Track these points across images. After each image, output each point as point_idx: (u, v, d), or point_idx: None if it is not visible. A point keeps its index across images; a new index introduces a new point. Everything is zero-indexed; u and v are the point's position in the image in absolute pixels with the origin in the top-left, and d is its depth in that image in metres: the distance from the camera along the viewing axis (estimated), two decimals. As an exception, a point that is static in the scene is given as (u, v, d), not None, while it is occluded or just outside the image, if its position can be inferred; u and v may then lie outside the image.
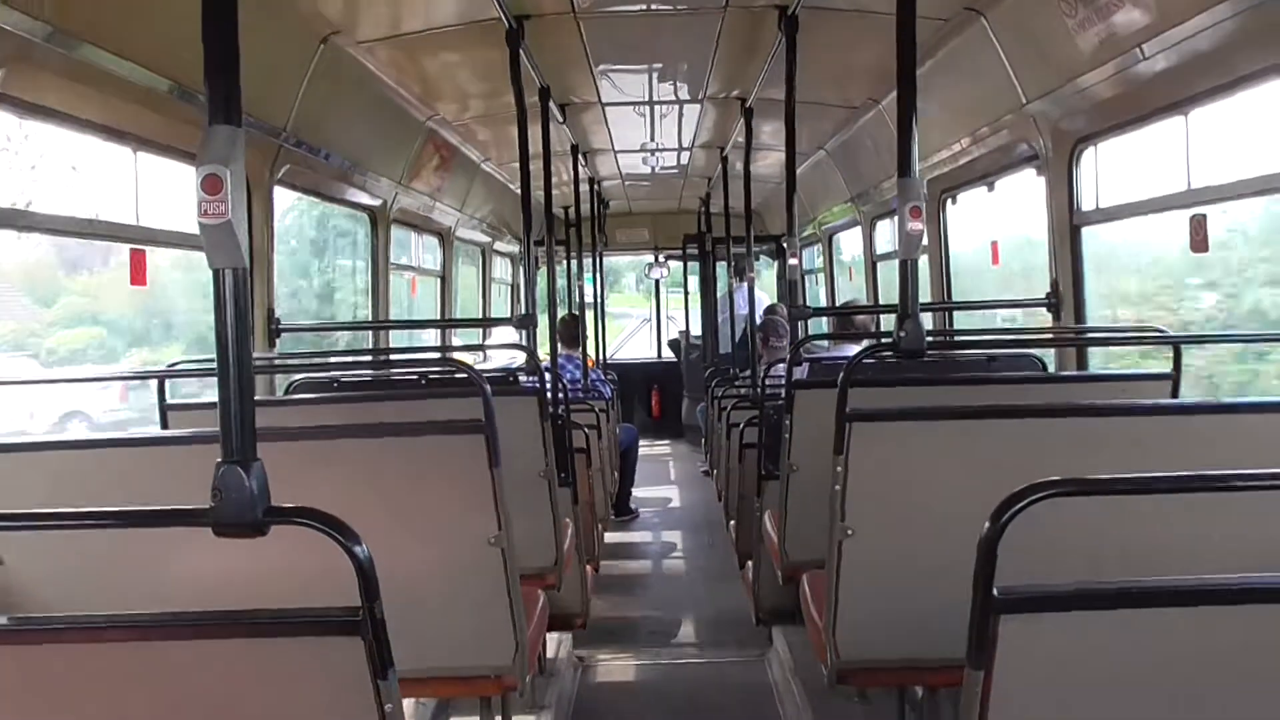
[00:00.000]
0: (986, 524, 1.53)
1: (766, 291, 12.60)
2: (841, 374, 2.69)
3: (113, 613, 1.60)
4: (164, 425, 3.57)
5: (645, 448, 10.44)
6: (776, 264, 13.32)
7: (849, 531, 2.65)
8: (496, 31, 4.57)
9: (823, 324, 8.82)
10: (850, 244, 9.82)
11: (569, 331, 8.11)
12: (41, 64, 2.97)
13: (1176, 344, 3.52)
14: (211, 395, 3.75)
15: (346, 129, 5.31)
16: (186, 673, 1.64)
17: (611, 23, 5.06)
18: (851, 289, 9.78)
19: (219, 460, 1.56)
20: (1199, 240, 3.63)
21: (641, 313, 15.96)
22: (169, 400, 3.65)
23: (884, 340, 3.04)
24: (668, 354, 13.81)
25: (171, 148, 3.81)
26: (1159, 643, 1.58)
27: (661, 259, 13.72)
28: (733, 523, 5.80)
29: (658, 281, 14.10)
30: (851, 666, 2.77)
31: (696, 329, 13.17)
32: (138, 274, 3.76)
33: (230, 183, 1.49)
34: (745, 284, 10.13)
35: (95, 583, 2.54)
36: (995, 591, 1.51)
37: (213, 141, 1.51)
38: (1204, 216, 3.62)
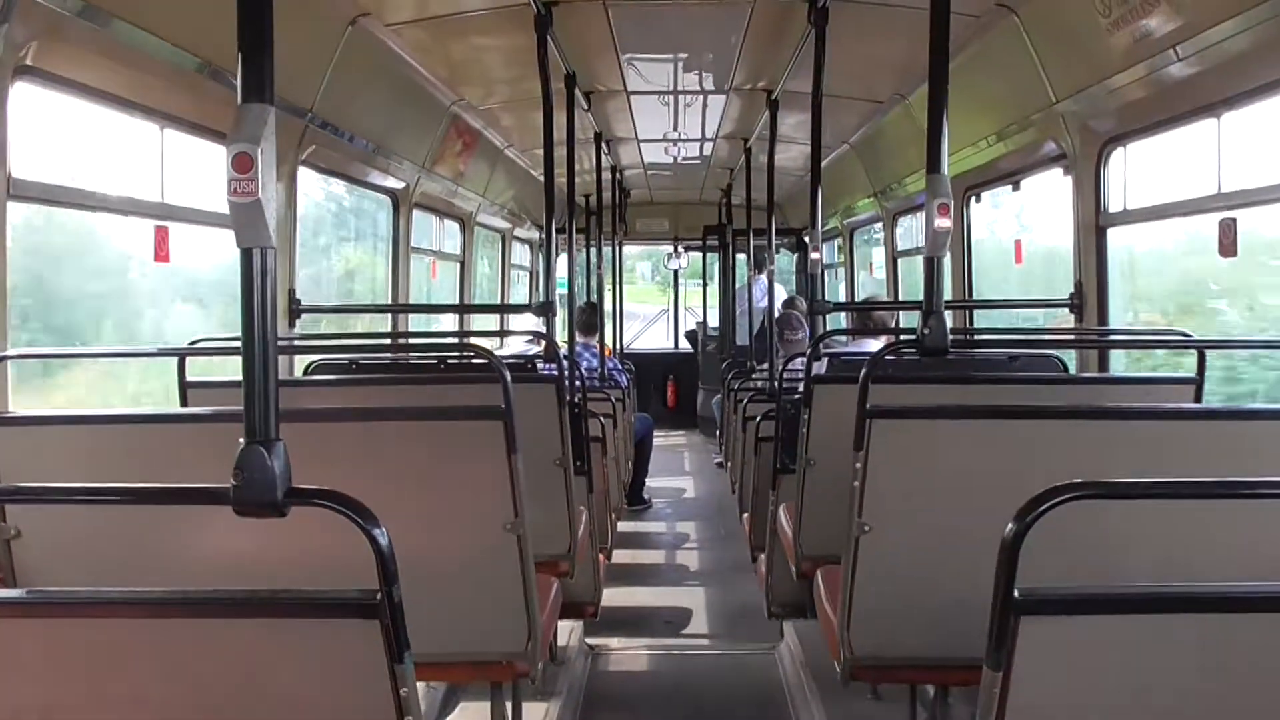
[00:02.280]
0: (1009, 525, 1.52)
1: (785, 285, 12.59)
2: (864, 370, 2.67)
3: (131, 589, 1.61)
4: (184, 403, 3.59)
5: (660, 438, 10.45)
6: (796, 257, 13.28)
7: (866, 528, 2.64)
8: (524, 16, 4.56)
9: (841, 319, 8.81)
10: (872, 238, 9.78)
11: (587, 319, 8.11)
12: (72, 39, 2.98)
13: (1201, 348, 3.49)
14: (230, 374, 3.77)
15: (372, 111, 5.31)
16: (202, 651, 1.65)
17: (640, 10, 5.04)
18: (873, 284, 9.75)
19: (241, 439, 1.56)
20: (1228, 244, 3.59)
21: (649, 312, 15.70)
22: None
23: (907, 337, 3.02)
24: (684, 344, 13.81)
25: (198, 125, 3.82)
26: (1179, 648, 1.57)
27: (681, 249, 13.70)
28: (746, 515, 5.80)
29: (676, 272, 14.08)
30: (865, 663, 2.77)
31: (714, 320, 13.15)
32: (161, 250, 3.78)
33: (261, 162, 1.48)
34: (764, 276, 10.11)
35: (111, 558, 2.55)
36: (1016, 593, 1.51)
37: (244, 120, 1.51)
38: (1234, 220, 3.59)
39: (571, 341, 5.85)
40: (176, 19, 3.33)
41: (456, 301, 8.32)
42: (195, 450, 2.57)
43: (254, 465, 1.54)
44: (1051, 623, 1.53)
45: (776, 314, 7.70)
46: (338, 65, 4.55)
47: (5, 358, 2.85)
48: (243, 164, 1.48)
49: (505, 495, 2.68)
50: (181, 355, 3.56)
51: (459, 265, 8.23)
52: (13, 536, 2.64)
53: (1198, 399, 3.43)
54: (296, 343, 4.54)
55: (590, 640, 5.22)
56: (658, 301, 15.03)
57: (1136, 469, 2.52)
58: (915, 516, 2.65)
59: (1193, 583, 1.54)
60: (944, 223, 2.64)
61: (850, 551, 2.69)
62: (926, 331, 2.73)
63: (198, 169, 3.97)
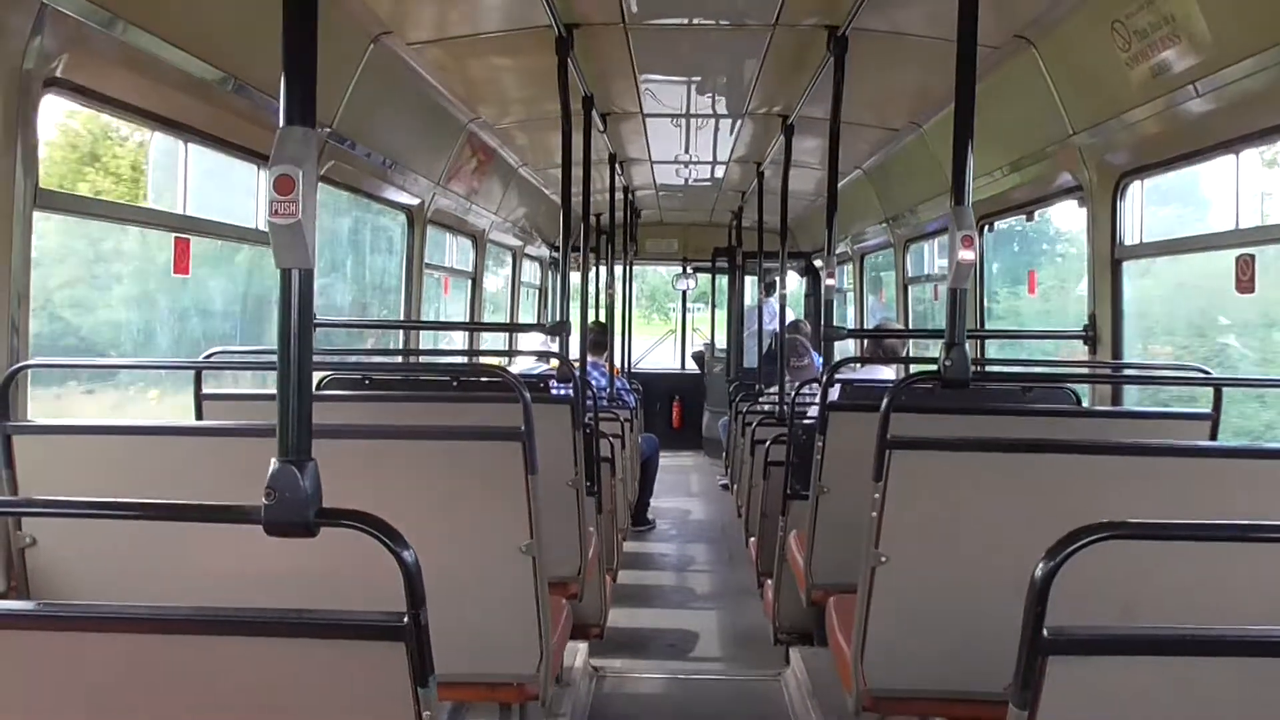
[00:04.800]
0: (1039, 563, 1.51)
1: (793, 308, 12.59)
2: (885, 400, 2.66)
3: (150, 605, 1.60)
4: (199, 415, 3.59)
5: (665, 458, 10.44)
6: (806, 280, 13.32)
7: (883, 559, 2.63)
8: (545, 38, 4.59)
9: (849, 345, 8.81)
10: (881, 264, 9.80)
11: (597, 338, 8.11)
12: (101, 52, 3.00)
13: (1217, 385, 3.49)
14: (240, 386, 3.76)
15: (390, 128, 5.33)
16: (221, 669, 1.64)
17: (659, 35, 5.07)
18: (881, 309, 9.76)
19: (274, 458, 1.56)
20: (1245, 281, 3.59)
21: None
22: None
23: (927, 368, 3.02)
24: (690, 365, 13.81)
25: (221, 140, 3.84)
26: (1211, 692, 1.56)
27: (689, 270, 13.73)
28: (753, 539, 5.78)
29: (684, 293, 14.12)
30: (878, 695, 2.75)
31: (720, 342, 13.16)
32: (181, 263, 3.79)
33: (302, 184, 1.50)
34: (774, 299, 10.11)
35: (126, 568, 2.55)
36: (1045, 632, 1.50)
37: (287, 142, 1.52)
38: (1252, 257, 3.59)
39: (583, 361, 5.83)
40: (205, 34, 3.35)
41: (466, 316, 8.33)
42: (214, 463, 2.57)
43: (286, 485, 1.54)
44: (1080, 663, 1.52)
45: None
46: (359, 82, 4.58)
47: (26, 367, 2.86)
48: (285, 186, 1.49)
49: (521, 516, 2.67)
50: (198, 368, 3.57)
51: (470, 282, 8.24)
52: (28, 545, 2.64)
53: (1213, 436, 3.42)
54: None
55: (595, 661, 5.20)
56: (641, 328, 14.82)
57: (1154, 505, 2.51)
58: (932, 548, 2.64)
59: (1227, 627, 1.53)
60: (968, 255, 2.64)
61: (866, 582, 2.67)
62: (948, 363, 2.72)
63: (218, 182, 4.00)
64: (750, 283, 12.52)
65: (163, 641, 1.63)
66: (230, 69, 3.53)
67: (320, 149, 4.55)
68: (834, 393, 4.47)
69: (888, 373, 5.86)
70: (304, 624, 1.59)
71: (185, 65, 3.34)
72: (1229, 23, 3.21)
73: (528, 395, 2.73)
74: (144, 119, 3.54)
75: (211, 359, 3.73)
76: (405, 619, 1.53)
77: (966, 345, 2.83)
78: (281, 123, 1.54)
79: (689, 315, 14.41)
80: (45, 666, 1.63)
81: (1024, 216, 5.63)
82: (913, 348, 6.49)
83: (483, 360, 7.25)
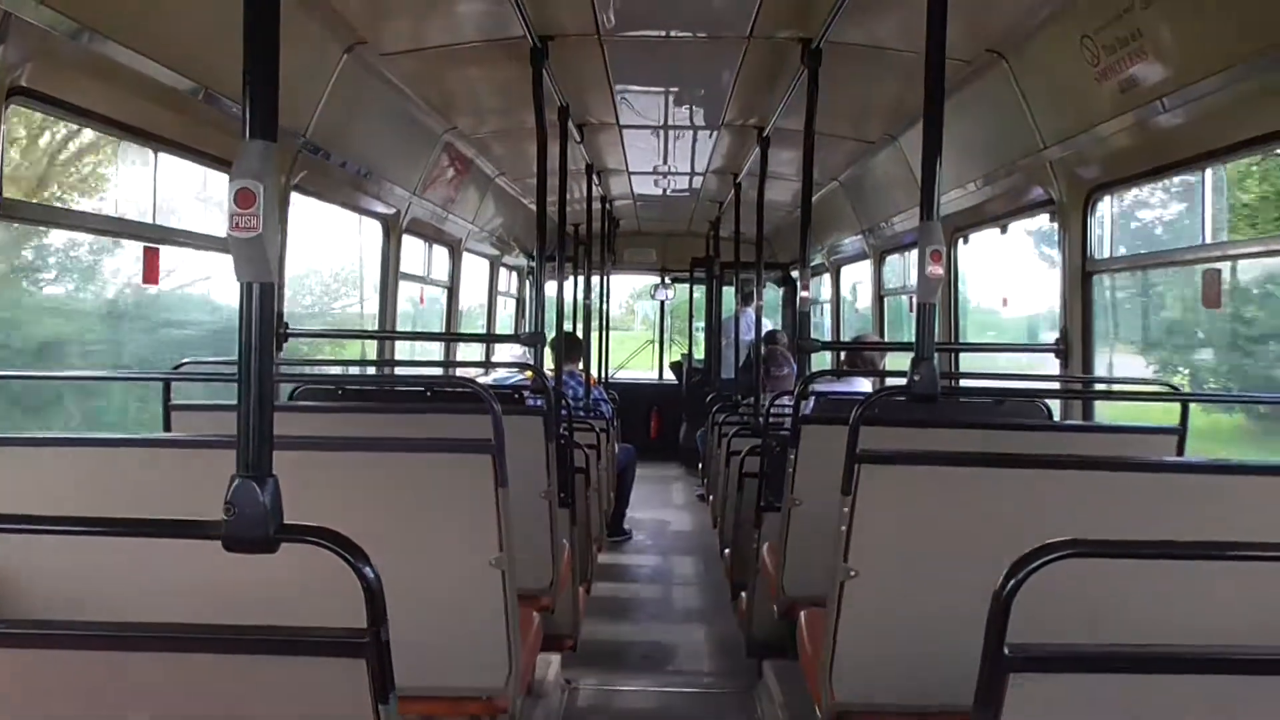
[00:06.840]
0: (1001, 580, 1.51)
1: (770, 319, 12.62)
2: (854, 414, 2.67)
3: (109, 622, 1.58)
4: (167, 426, 3.56)
5: (642, 469, 10.42)
6: (783, 291, 13.36)
7: (852, 572, 2.63)
8: (520, 49, 4.59)
9: (826, 357, 8.83)
10: (858, 275, 9.83)
11: (572, 347, 8.10)
12: (67, 61, 2.97)
13: (1184, 402, 3.52)
14: (210, 397, 3.73)
15: (365, 137, 5.32)
16: (184, 686, 1.62)
17: (634, 46, 5.08)
18: (858, 319, 9.79)
19: (233, 473, 1.55)
20: (1212, 296, 3.63)
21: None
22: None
23: (896, 382, 3.03)
24: (669, 376, 13.82)
25: (192, 149, 3.81)
26: (1172, 708, 1.56)
27: (668, 280, 13.75)
28: (727, 551, 5.77)
29: (663, 303, 14.14)
30: (847, 708, 2.75)
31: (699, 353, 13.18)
32: (151, 272, 3.76)
33: (263, 198, 1.49)
34: (751, 309, 10.14)
35: (91, 581, 2.51)
36: (1006, 650, 1.50)
37: (247, 156, 1.52)
38: (1218, 272, 3.63)
39: (559, 370, 5.82)
40: (172, 43, 3.33)
41: (442, 325, 8.30)
42: (182, 475, 2.55)
43: (245, 500, 1.53)
44: (1041, 680, 1.53)
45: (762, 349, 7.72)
46: (332, 91, 4.56)
47: None
48: (245, 199, 1.49)
49: (491, 529, 2.66)
50: (167, 380, 3.53)
51: (446, 292, 8.22)
52: None
53: (1180, 451, 3.46)
54: (283, 369, 4.51)
55: (567, 674, 5.17)
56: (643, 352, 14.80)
57: (1121, 519, 2.53)
58: (902, 562, 2.64)
59: (1188, 645, 1.53)
60: (936, 271, 2.65)
61: (835, 595, 2.67)
62: (916, 378, 2.73)
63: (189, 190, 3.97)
64: (728, 293, 12.55)
65: (123, 659, 1.61)
66: (200, 78, 3.50)
67: (293, 158, 4.53)
68: (808, 405, 4.48)
69: (866, 385, 5.88)
70: (264, 640, 1.58)
71: (155, 74, 3.32)
72: (1195, 39, 3.25)
73: (498, 407, 2.72)
74: (113, 128, 3.51)
75: (181, 369, 3.69)
76: (366, 635, 1.52)
77: (936, 358, 2.84)
78: (245, 135, 1.53)
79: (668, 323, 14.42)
80: (4, 686, 1.61)
81: (998, 229, 5.66)
82: (890, 359, 6.51)
83: (459, 371, 7.22)
